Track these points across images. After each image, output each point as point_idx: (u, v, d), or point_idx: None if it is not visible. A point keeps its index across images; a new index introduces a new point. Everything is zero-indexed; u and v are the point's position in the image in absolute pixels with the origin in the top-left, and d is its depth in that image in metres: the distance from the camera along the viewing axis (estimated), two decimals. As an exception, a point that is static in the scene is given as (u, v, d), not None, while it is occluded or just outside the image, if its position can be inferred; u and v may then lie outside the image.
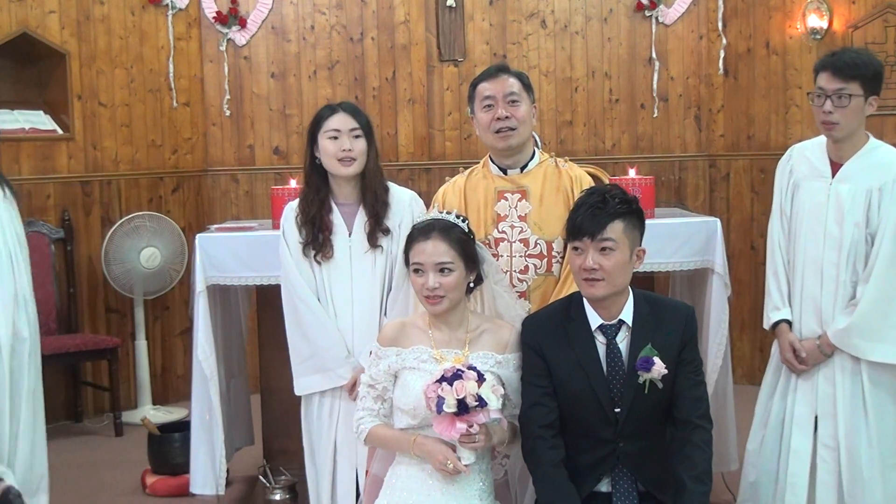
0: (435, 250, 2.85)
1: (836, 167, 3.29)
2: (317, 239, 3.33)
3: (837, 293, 3.24)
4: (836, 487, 3.25)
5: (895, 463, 3.24)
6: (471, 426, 2.67)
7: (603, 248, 2.78)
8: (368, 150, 3.33)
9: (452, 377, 2.66)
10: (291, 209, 3.41)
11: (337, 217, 3.36)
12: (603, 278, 2.78)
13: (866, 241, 3.22)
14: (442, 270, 2.84)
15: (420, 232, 2.90)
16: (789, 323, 3.36)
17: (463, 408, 2.64)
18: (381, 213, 3.34)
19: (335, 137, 3.30)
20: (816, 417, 3.29)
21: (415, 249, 2.89)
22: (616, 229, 2.79)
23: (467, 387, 2.64)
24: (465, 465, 2.75)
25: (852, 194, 3.23)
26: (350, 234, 3.35)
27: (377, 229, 3.33)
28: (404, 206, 3.38)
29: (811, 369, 3.29)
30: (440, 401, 2.65)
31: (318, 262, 3.35)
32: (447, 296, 2.84)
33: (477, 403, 2.65)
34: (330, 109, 3.36)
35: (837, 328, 3.23)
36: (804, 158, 3.39)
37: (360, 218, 3.35)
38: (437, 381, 2.67)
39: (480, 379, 2.68)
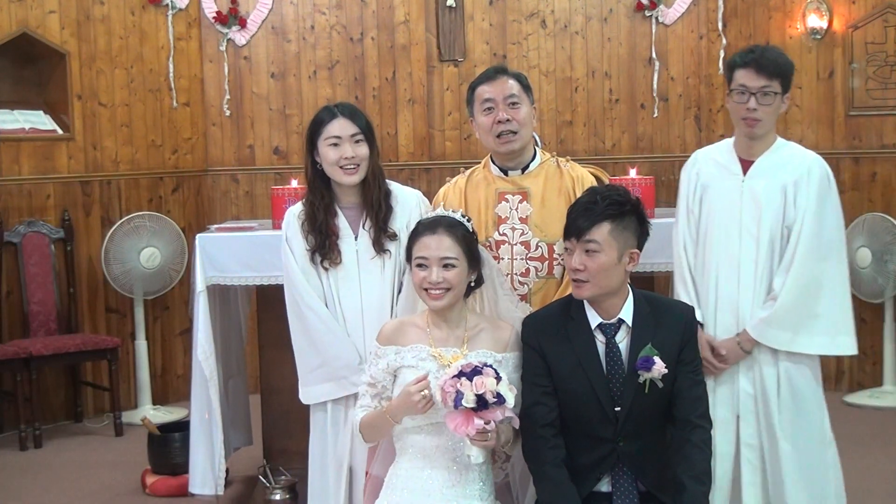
0: (440, 245, 2.85)
1: (745, 165, 3.29)
2: (324, 245, 3.24)
3: (756, 289, 3.23)
4: (761, 486, 3.24)
5: (815, 462, 3.25)
6: (487, 423, 2.66)
7: (587, 250, 2.78)
8: (371, 155, 3.24)
9: (472, 373, 2.65)
10: (294, 216, 3.31)
11: (342, 221, 3.27)
12: (588, 280, 2.78)
13: (782, 235, 3.24)
14: (446, 265, 2.84)
15: (425, 227, 2.90)
16: (701, 325, 3.31)
17: (481, 404, 2.63)
18: (385, 219, 3.25)
19: (336, 145, 3.19)
20: (738, 417, 3.27)
21: (419, 244, 2.88)
22: (601, 231, 2.79)
23: (486, 383, 2.63)
24: (475, 464, 2.75)
25: (768, 190, 3.24)
26: (356, 238, 3.26)
27: (382, 235, 3.24)
28: (411, 206, 3.30)
29: (729, 370, 3.26)
30: (458, 396, 2.63)
31: (326, 269, 3.26)
32: (450, 290, 2.84)
33: (495, 400, 2.64)
34: (329, 114, 3.24)
35: (758, 320, 3.21)
36: (711, 161, 3.37)
37: (364, 223, 3.28)
38: (455, 376, 2.66)
39: (497, 376, 2.68)
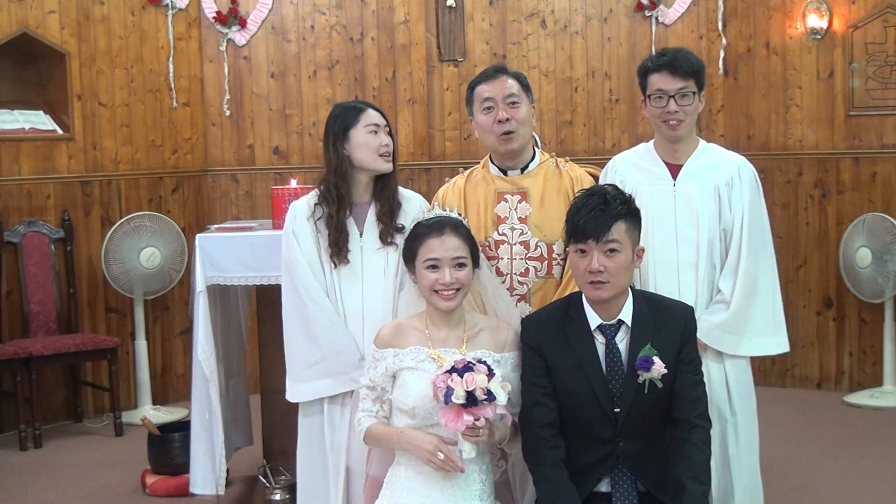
0: (451, 245, 2.86)
1: (673, 169, 3.27)
2: (337, 242, 3.23)
3: (700, 294, 3.22)
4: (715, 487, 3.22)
5: (752, 463, 3.26)
6: (477, 419, 2.67)
7: (608, 250, 2.78)
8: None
9: (463, 369, 2.66)
10: (301, 209, 3.29)
11: (349, 219, 3.27)
12: (608, 280, 2.78)
13: (719, 237, 3.23)
14: (457, 265, 2.85)
15: (431, 229, 2.90)
16: None
17: (471, 400, 2.64)
18: (395, 211, 3.26)
19: (376, 132, 3.22)
20: None
21: (426, 246, 2.87)
22: (619, 230, 2.79)
23: (477, 380, 2.64)
24: (464, 460, 2.75)
25: (701, 193, 3.23)
26: (361, 235, 3.26)
27: (390, 226, 3.24)
28: (416, 208, 3.29)
29: None
30: (449, 391, 2.65)
31: (335, 265, 3.25)
32: (461, 290, 2.85)
33: (485, 397, 2.65)
34: (357, 107, 3.28)
35: (710, 325, 3.19)
36: (633, 167, 3.34)
37: (372, 216, 3.27)
38: (448, 371, 2.67)
39: (490, 373, 2.68)
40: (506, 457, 3.06)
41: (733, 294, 3.19)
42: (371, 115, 3.25)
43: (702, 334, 3.17)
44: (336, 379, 3.24)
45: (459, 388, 2.64)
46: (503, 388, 2.69)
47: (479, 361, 2.70)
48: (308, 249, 3.26)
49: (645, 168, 3.31)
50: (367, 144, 3.21)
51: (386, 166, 3.24)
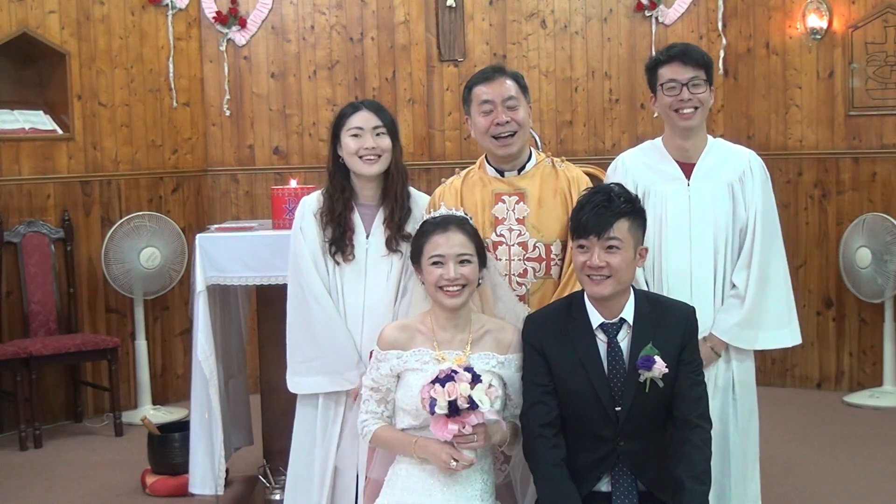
0: (454, 241, 2.86)
1: (685, 168, 3.25)
2: (342, 238, 3.25)
3: (716, 293, 3.21)
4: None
5: (751, 455, 3.27)
6: (463, 427, 2.68)
7: (609, 247, 2.78)
8: (393, 150, 3.26)
9: (445, 379, 2.67)
10: (310, 204, 3.32)
11: (356, 218, 3.28)
12: (610, 275, 2.78)
13: (735, 234, 3.22)
14: (462, 262, 2.85)
15: (436, 226, 2.90)
16: None
17: (454, 409, 2.65)
18: (402, 218, 3.25)
19: (357, 135, 3.22)
20: None
21: (432, 242, 2.88)
22: (622, 228, 2.80)
23: (459, 388, 2.65)
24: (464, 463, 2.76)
25: (714, 192, 3.22)
26: (368, 236, 3.27)
27: (396, 235, 3.24)
28: (423, 209, 3.27)
29: None
30: (432, 402, 2.67)
31: (338, 263, 3.26)
32: (466, 287, 2.85)
33: (468, 405, 2.66)
34: (352, 107, 3.29)
35: (728, 325, 3.18)
36: (643, 166, 3.30)
37: (379, 220, 3.28)
38: (432, 381, 2.68)
39: (475, 380, 2.68)
40: (508, 460, 3.05)
41: (747, 288, 3.19)
42: (355, 119, 3.24)
43: (720, 333, 3.19)
44: (330, 377, 3.26)
45: (441, 398, 2.65)
46: (488, 394, 2.70)
47: (467, 369, 2.71)
48: (313, 245, 3.28)
49: (656, 167, 3.28)
50: (348, 148, 3.23)
51: (368, 169, 3.23)
